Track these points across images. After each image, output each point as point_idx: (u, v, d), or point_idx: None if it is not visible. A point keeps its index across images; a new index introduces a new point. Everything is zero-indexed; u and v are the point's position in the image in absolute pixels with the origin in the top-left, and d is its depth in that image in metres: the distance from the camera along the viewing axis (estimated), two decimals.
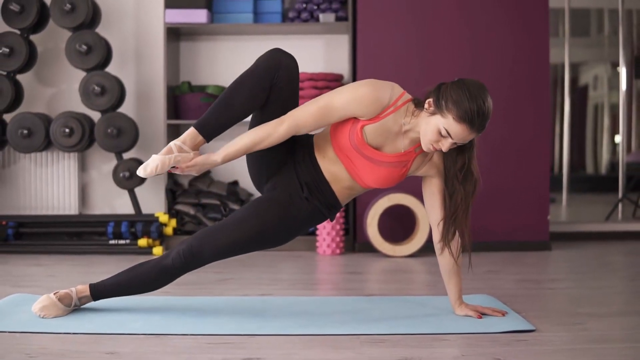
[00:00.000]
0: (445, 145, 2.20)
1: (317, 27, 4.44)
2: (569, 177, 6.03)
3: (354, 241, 4.35)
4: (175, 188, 4.38)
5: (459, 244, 2.38)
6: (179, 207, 4.34)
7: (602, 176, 7.71)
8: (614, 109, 7.20)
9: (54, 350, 2.03)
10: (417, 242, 4.04)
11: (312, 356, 2.00)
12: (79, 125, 4.26)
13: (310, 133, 2.40)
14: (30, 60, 4.33)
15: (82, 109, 4.50)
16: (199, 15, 4.34)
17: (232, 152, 2.27)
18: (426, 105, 2.23)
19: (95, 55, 4.24)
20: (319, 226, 4.14)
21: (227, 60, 4.64)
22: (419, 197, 2.60)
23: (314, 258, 4.05)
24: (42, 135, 4.27)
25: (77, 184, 4.56)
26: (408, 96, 2.30)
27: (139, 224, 4.19)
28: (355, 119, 2.27)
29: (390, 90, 2.26)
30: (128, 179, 4.33)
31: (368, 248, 4.19)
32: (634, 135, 7.04)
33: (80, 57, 4.25)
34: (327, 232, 4.13)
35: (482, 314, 2.41)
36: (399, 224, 4.25)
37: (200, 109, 4.34)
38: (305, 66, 4.50)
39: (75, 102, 4.54)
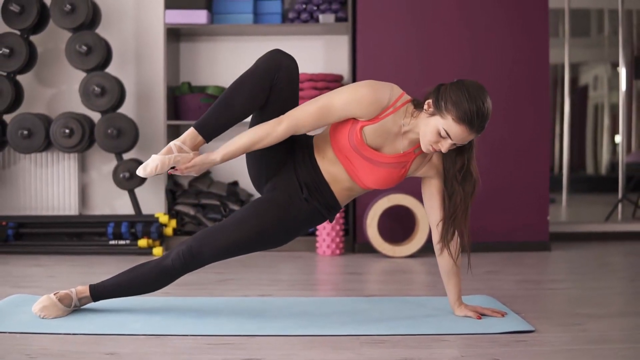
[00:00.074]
0: (444, 146, 2.20)
1: (316, 27, 4.44)
2: (568, 178, 6.03)
3: (353, 242, 4.35)
4: (175, 189, 4.39)
5: (459, 244, 2.39)
6: (179, 207, 4.35)
7: (602, 176, 7.71)
8: (614, 109, 7.20)
9: (54, 350, 2.03)
10: (416, 242, 4.05)
11: (312, 357, 2.00)
12: (79, 125, 4.26)
13: (309, 134, 2.40)
14: (30, 60, 4.33)
15: (82, 109, 4.50)
16: (199, 16, 4.34)
17: (231, 151, 2.28)
18: (425, 106, 2.23)
19: (95, 55, 4.25)
20: (318, 227, 4.14)
21: (227, 61, 4.64)
22: (419, 197, 2.60)
23: (313, 258, 4.05)
24: (42, 136, 4.27)
25: (77, 185, 4.57)
26: (407, 97, 2.31)
27: (139, 225, 4.20)
28: (354, 119, 2.28)
29: (389, 91, 2.26)
30: (128, 180, 4.33)
31: (368, 249, 4.19)
32: (633, 135, 7.04)
33: (80, 57, 4.25)
34: (326, 232, 4.14)
35: (481, 315, 2.41)
36: (398, 224, 4.25)
37: (200, 110, 4.34)
38: (305, 67, 4.50)
39: (75, 102, 4.55)
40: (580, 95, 7.68)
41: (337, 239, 4.16)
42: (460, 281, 2.47)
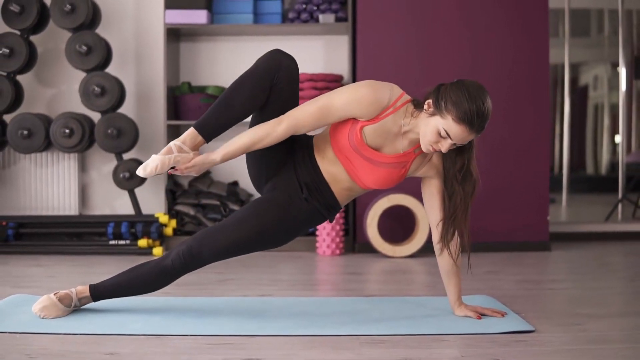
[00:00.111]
0: (444, 146, 2.20)
1: (316, 27, 4.44)
2: (569, 178, 6.03)
3: (353, 242, 4.35)
4: (175, 189, 4.39)
5: (459, 244, 2.39)
6: (179, 207, 4.35)
7: (602, 176, 7.71)
8: (614, 109, 7.20)
9: (54, 350, 2.03)
10: (416, 242, 4.05)
11: (312, 357, 2.00)
12: (79, 125, 4.26)
13: (309, 134, 2.40)
14: (30, 60, 4.33)
15: (82, 109, 4.50)
16: (199, 16, 4.34)
17: (231, 151, 2.28)
18: (425, 106, 2.23)
19: (95, 55, 4.25)
20: (318, 227, 4.14)
21: (227, 61, 4.64)
22: (419, 197, 2.60)
23: (313, 258, 4.05)
24: (42, 136, 4.27)
25: (77, 185, 4.57)
26: (407, 97, 2.31)
27: (139, 225, 4.20)
28: (354, 119, 2.28)
29: (389, 91, 2.26)
30: (128, 180, 4.33)
31: (368, 249, 4.19)
32: (633, 135, 7.04)
33: (80, 57, 4.25)
34: (327, 232, 4.14)
35: (481, 315, 2.41)
36: (398, 224, 4.25)
37: (200, 110, 4.34)
38: (305, 67, 4.50)
39: (75, 102, 4.55)
40: (580, 95, 7.68)
41: (337, 239, 4.16)
42: (460, 281, 2.47)
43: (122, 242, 4.16)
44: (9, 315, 2.40)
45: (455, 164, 2.31)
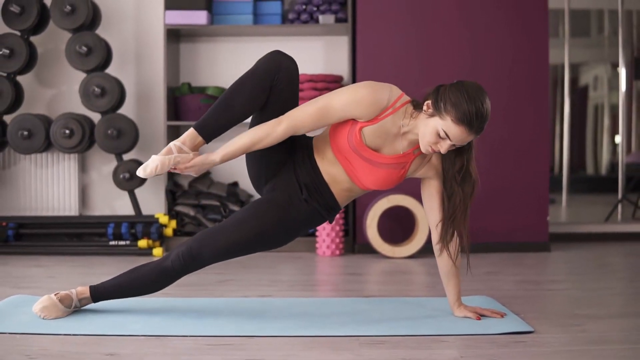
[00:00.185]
0: (443, 147, 2.20)
1: (316, 28, 4.45)
2: (568, 178, 6.03)
3: (353, 242, 4.35)
4: (175, 189, 4.39)
5: (458, 245, 2.39)
6: (179, 208, 4.35)
7: (602, 177, 7.71)
8: (614, 110, 7.21)
9: (54, 351, 2.04)
10: (416, 243, 4.05)
11: (312, 357, 2.00)
12: (79, 126, 4.27)
13: (309, 134, 2.40)
14: (30, 61, 4.34)
15: (82, 110, 4.51)
16: (199, 17, 4.35)
17: (230, 152, 2.28)
18: (425, 107, 2.23)
19: (96, 56, 4.25)
20: (318, 227, 4.14)
21: (227, 62, 4.64)
22: (419, 198, 2.60)
23: (313, 259, 4.05)
24: (42, 137, 4.27)
25: (77, 185, 4.57)
26: (406, 98, 2.31)
27: (139, 225, 4.20)
28: (353, 120, 2.28)
29: (388, 92, 2.26)
30: (128, 180, 4.33)
31: (367, 249, 4.19)
32: (633, 136, 7.04)
33: (81, 58, 4.25)
34: (326, 233, 4.14)
35: (480, 315, 2.42)
36: (398, 225, 4.26)
37: (200, 110, 4.35)
38: (305, 67, 4.50)
39: (75, 103, 4.55)
40: (580, 95, 7.68)
41: (337, 240, 4.16)
42: (459, 282, 2.47)
43: (122, 242, 4.16)
44: (9, 315, 2.40)
45: (455, 164, 2.32)
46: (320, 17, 4.35)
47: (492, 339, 2.19)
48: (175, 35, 4.54)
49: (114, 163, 4.57)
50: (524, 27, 4.28)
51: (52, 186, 4.56)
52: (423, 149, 2.25)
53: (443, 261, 2.44)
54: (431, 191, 2.40)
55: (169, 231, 4.25)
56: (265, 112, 2.32)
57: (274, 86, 2.29)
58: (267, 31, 4.52)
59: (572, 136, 6.07)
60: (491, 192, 4.18)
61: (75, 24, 4.23)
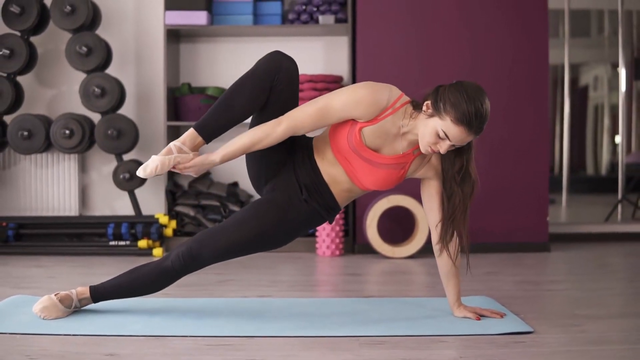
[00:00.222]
0: (443, 147, 2.21)
1: (316, 28, 4.45)
2: (568, 178, 6.04)
3: (353, 242, 4.35)
4: (175, 189, 4.39)
5: (458, 245, 2.39)
6: (179, 208, 4.35)
7: (602, 177, 7.71)
8: (614, 110, 7.21)
9: (54, 351, 2.04)
10: (416, 243, 4.05)
11: (311, 358, 2.00)
12: (79, 126, 4.27)
13: (309, 135, 2.41)
14: (30, 61, 4.34)
15: (82, 110, 4.51)
16: (198, 17, 4.35)
17: (230, 152, 2.28)
18: (424, 108, 2.24)
19: (96, 56, 4.25)
20: (318, 228, 4.15)
21: (227, 62, 4.65)
22: (418, 198, 2.60)
23: (313, 259, 4.06)
24: (43, 137, 4.27)
25: (78, 186, 4.57)
26: (406, 98, 2.31)
27: (139, 225, 4.20)
28: (353, 121, 2.28)
29: (388, 93, 2.26)
30: (128, 181, 4.34)
31: (367, 249, 4.19)
32: (633, 136, 7.05)
33: (81, 58, 4.26)
34: (326, 233, 4.14)
35: (480, 316, 2.42)
36: (398, 225, 4.26)
37: (200, 111, 4.35)
38: (305, 68, 4.51)
39: (75, 103, 4.55)
40: (580, 95, 7.69)
41: (337, 240, 4.16)
42: (459, 282, 2.48)
43: (122, 242, 4.16)
44: (9, 316, 2.40)
45: (454, 165, 2.32)
46: (320, 18, 4.35)
47: (492, 339, 2.19)
48: (175, 36, 4.54)
49: (114, 163, 4.58)
50: (524, 27, 4.28)
51: (52, 186, 4.57)
52: (423, 149, 2.25)
53: (443, 261, 2.44)
54: (431, 191, 2.40)
55: (169, 231, 4.26)
56: (265, 112, 2.32)
57: (274, 87, 2.29)
58: (267, 31, 4.52)
59: (572, 136, 6.07)
60: (491, 192, 4.18)
61: (75, 24, 4.24)
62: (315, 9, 4.41)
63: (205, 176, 4.48)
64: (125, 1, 4.65)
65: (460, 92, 2.17)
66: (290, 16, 4.45)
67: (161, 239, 4.26)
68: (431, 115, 2.21)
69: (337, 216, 4.10)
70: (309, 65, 4.57)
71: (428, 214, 2.44)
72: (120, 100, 4.35)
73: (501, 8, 4.27)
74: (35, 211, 4.56)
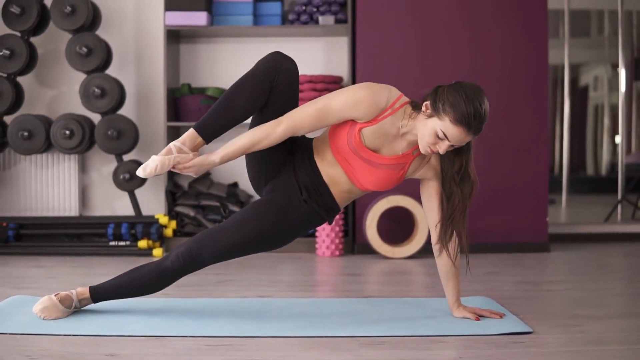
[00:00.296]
0: (442, 147, 2.21)
1: (316, 29, 4.45)
2: (568, 178, 6.04)
3: (353, 243, 4.35)
4: (175, 190, 4.39)
5: (457, 245, 2.39)
6: (179, 208, 4.36)
7: (601, 177, 7.72)
8: (614, 110, 7.21)
9: (54, 351, 2.04)
10: (415, 243, 4.05)
11: (311, 358, 2.01)
12: (79, 127, 4.27)
13: (309, 136, 2.41)
14: (30, 62, 4.34)
15: (83, 111, 4.51)
16: (198, 18, 4.35)
17: (230, 153, 2.29)
18: (423, 108, 2.24)
19: (96, 57, 4.25)
20: (318, 228, 4.15)
21: (227, 63, 4.65)
22: (418, 199, 2.61)
23: (313, 260, 4.06)
24: (43, 137, 4.28)
25: (78, 186, 4.58)
26: (405, 99, 2.31)
27: (139, 226, 4.20)
28: (353, 121, 2.28)
29: (387, 93, 2.27)
30: (128, 181, 4.34)
31: (367, 250, 4.20)
32: (633, 136, 7.05)
33: (81, 59, 4.26)
34: (326, 233, 4.15)
35: (479, 316, 2.42)
36: (397, 225, 4.26)
37: (200, 111, 4.35)
38: (305, 68, 4.51)
39: (75, 104, 4.55)
40: (580, 95, 7.69)
41: (337, 240, 4.16)
42: (458, 282, 2.48)
43: (122, 243, 4.16)
44: (9, 316, 2.41)
45: (453, 165, 2.32)
46: (320, 18, 4.35)
47: (491, 339, 2.19)
48: (175, 36, 4.55)
49: (114, 164, 4.58)
50: (524, 27, 4.28)
51: (52, 187, 4.57)
52: (422, 150, 2.25)
53: (442, 261, 2.44)
54: (430, 192, 2.41)
55: (169, 232, 4.26)
56: (265, 113, 2.32)
57: (273, 87, 2.30)
58: (267, 32, 4.52)
59: (572, 136, 6.08)
60: (491, 193, 4.18)
61: (75, 24, 4.24)
62: (315, 10, 4.41)
63: (205, 177, 4.49)
64: (125, 2, 4.65)
65: (459, 92, 2.17)
66: (290, 17, 4.45)
67: (161, 240, 4.26)
68: (430, 116, 2.21)
69: (337, 216, 4.10)
70: (308, 66, 4.57)
71: (427, 214, 2.44)
72: (120, 100, 4.35)
73: (501, 8, 4.27)
74: (36, 211, 4.56)
